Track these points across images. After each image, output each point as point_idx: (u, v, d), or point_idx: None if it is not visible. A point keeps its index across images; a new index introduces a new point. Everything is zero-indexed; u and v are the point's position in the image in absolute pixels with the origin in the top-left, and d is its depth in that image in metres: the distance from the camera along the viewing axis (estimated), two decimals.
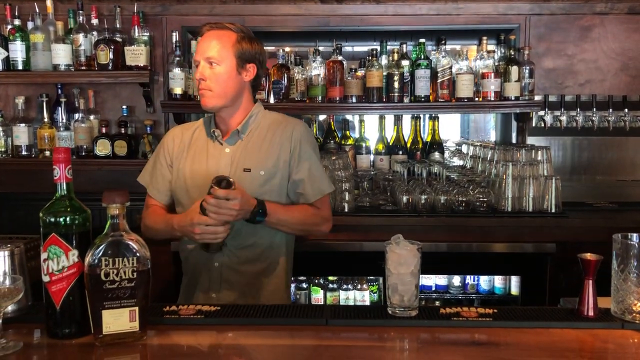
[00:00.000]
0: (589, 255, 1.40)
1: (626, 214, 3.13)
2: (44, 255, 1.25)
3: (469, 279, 3.18)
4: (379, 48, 3.29)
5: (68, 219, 1.27)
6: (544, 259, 2.90)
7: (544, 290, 2.93)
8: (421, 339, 1.32)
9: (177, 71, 3.21)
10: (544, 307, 1.45)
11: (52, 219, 1.26)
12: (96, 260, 1.22)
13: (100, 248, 1.23)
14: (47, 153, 3.26)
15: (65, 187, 1.28)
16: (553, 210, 2.95)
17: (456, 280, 3.18)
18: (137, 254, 1.25)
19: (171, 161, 2.07)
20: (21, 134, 3.28)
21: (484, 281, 3.16)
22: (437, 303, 3.21)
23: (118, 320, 1.24)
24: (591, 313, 1.40)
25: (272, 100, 3.28)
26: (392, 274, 1.40)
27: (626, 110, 3.28)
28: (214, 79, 1.89)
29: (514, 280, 3.10)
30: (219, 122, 2.04)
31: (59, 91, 3.36)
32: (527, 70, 3.19)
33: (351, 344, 1.31)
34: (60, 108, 3.33)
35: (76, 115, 3.32)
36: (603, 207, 3.22)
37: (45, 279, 1.26)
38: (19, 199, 3.48)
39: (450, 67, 3.19)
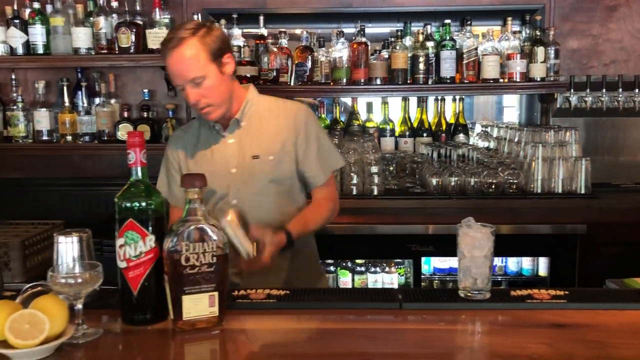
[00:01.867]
0: None
1: None
2: (120, 241, 1.23)
3: (497, 261, 3.17)
4: (402, 29, 3.25)
5: (144, 203, 1.24)
6: (574, 240, 2.90)
7: (573, 272, 2.94)
8: (499, 321, 1.31)
9: None
10: (613, 288, 1.45)
11: (128, 204, 1.24)
12: (176, 246, 1.20)
13: (180, 233, 1.21)
14: (69, 138, 3.22)
15: (140, 172, 1.26)
16: (582, 192, 2.94)
17: None
18: (216, 239, 1.23)
19: (179, 166, 2.02)
20: (42, 119, 3.23)
21: (512, 263, 3.16)
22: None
23: (198, 305, 1.22)
24: None
25: (294, 83, 3.25)
26: (466, 257, 1.39)
27: None
28: (208, 95, 1.81)
29: (542, 262, 3.11)
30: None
31: (79, 75, 3.31)
32: (552, 51, 3.17)
33: (428, 327, 1.30)
34: (80, 92, 3.27)
35: (97, 100, 3.27)
36: (629, 188, 3.22)
37: (122, 265, 1.24)
38: (40, 184, 3.44)
39: (476, 48, 3.17)
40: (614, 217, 2.87)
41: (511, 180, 2.93)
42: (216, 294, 1.24)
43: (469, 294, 1.39)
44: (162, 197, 1.28)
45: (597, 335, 1.22)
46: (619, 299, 1.41)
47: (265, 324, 1.31)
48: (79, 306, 1.20)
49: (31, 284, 1.29)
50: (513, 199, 2.90)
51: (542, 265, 3.12)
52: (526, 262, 3.15)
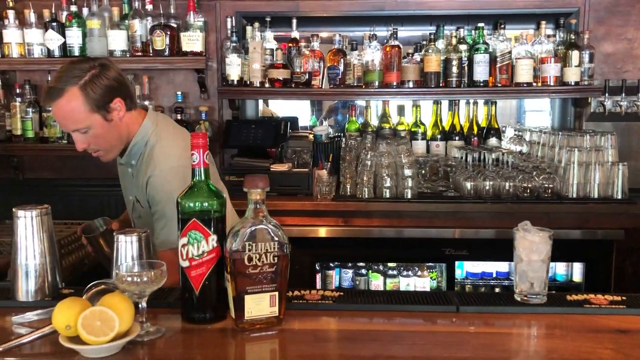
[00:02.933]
0: None
1: None
2: (183, 241, 1.24)
3: None
4: (435, 32, 3.25)
5: (207, 204, 1.25)
6: (610, 246, 2.87)
7: (608, 278, 2.91)
8: (559, 325, 1.30)
9: (233, 57, 3.19)
10: None
11: (192, 204, 1.25)
12: (239, 245, 1.21)
13: (243, 233, 1.21)
14: None
15: (202, 172, 1.27)
16: (619, 197, 2.92)
17: None
18: (277, 239, 1.24)
19: None
20: None
21: None
22: (496, 290, 3.19)
23: (259, 305, 1.23)
24: None
25: (326, 86, 3.26)
26: (523, 260, 1.38)
27: None
28: (95, 142, 1.80)
29: (577, 267, 3.08)
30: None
31: None
32: (587, 55, 3.15)
33: (487, 330, 1.29)
34: None
35: None
36: None
37: (184, 264, 1.25)
38: (75, 185, 3.49)
39: (510, 52, 3.16)
40: None
41: (546, 185, 2.91)
42: (277, 294, 1.24)
43: (525, 298, 1.38)
44: (223, 197, 1.29)
45: None
46: None
47: (322, 325, 1.31)
48: (143, 304, 1.21)
49: (95, 282, 1.30)
50: (549, 203, 2.88)
51: (577, 271, 3.09)
52: (560, 268, 3.13)
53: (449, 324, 1.31)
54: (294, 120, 3.70)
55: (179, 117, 3.30)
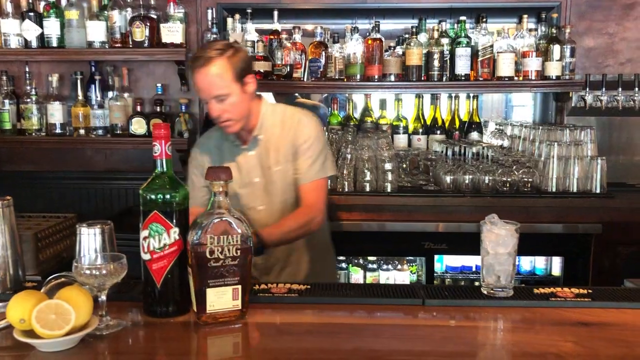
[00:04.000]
0: None
1: None
2: (144, 233, 1.23)
3: None
4: (417, 25, 3.24)
5: (169, 195, 1.24)
6: (589, 240, 2.88)
7: (587, 272, 2.92)
8: (524, 318, 1.30)
9: None
10: (631, 287, 1.43)
11: (153, 196, 1.23)
12: (201, 238, 1.19)
13: (205, 225, 1.20)
14: (82, 131, 3.22)
15: (165, 164, 1.25)
16: (598, 191, 2.93)
17: None
18: (240, 232, 1.23)
19: (202, 172, 2.05)
20: (55, 112, 3.23)
21: (525, 262, 3.14)
22: (476, 284, 3.19)
23: (221, 298, 1.21)
24: None
25: (307, 79, 3.24)
26: (489, 254, 1.38)
27: None
28: (230, 110, 1.94)
29: (556, 261, 3.09)
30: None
31: (93, 69, 3.30)
32: (568, 49, 3.15)
33: (451, 324, 1.29)
34: (94, 86, 3.27)
35: (110, 94, 3.27)
36: None
37: (146, 257, 1.24)
38: (53, 177, 3.45)
39: (492, 46, 3.15)
40: (630, 217, 2.85)
41: (526, 179, 2.92)
42: (239, 287, 1.23)
43: (492, 291, 1.38)
44: (186, 189, 1.27)
45: (624, 334, 1.21)
46: None
47: (287, 318, 1.30)
48: (103, 297, 1.19)
49: (54, 275, 1.28)
50: (528, 197, 2.88)
51: (556, 265, 3.10)
52: (539, 262, 3.13)
53: (412, 317, 1.30)
54: None
55: (158, 109, 3.27)
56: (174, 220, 1.23)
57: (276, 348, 1.16)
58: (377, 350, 1.16)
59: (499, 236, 1.36)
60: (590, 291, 1.41)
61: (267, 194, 2.09)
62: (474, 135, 3.36)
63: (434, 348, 1.18)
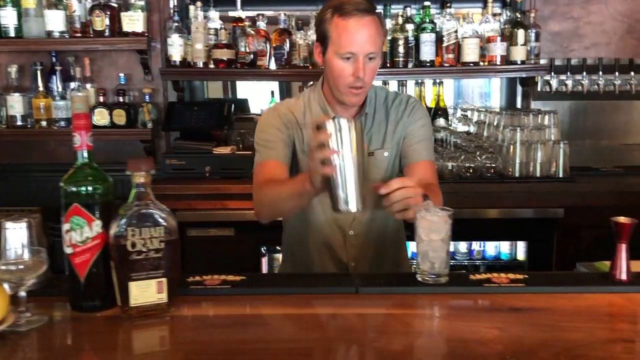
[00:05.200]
0: (622, 219, 1.37)
1: (632, 178, 3.12)
2: (66, 227, 1.20)
3: (475, 245, 3.16)
4: (382, 11, 3.21)
5: (90, 188, 1.21)
6: (552, 225, 2.89)
7: (550, 256, 2.93)
8: (456, 305, 1.29)
9: (175, 37, 3.12)
10: (574, 272, 1.43)
11: (74, 189, 1.21)
12: (122, 231, 1.17)
13: (126, 218, 1.18)
14: (43, 123, 3.18)
15: (86, 155, 1.22)
16: (561, 175, 2.93)
17: (462, 246, 3.17)
18: (164, 224, 1.21)
19: (289, 135, 1.82)
20: (15, 104, 3.19)
21: (490, 247, 3.15)
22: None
23: (145, 292, 1.19)
24: (624, 277, 1.38)
25: (273, 66, 3.21)
26: (423, 240, 1.36)
27: (632, 73, 3.25)
28: (370, 74, 1.68)
29: (521, 246, 3.10)
30: (335, 104, 1.80)
31: (54, 59, 3.25)
32: (533, 34, 3.13)
33: (383, 311, 1.28)
34: (55, 77, 3.22)
35: (72, 84, 3.23)
36: (609, 172, 3.21)
37: (68, 250, 1.21)
38: (15, 170, 3.40)
39: (456, 31, 3.13)
40: (592, 201, 2.86)
41: (489, 164, 2.91)
42: (164, 280, 1.21)
43: (427, 278, 1.37)
44: (110, 181, 1.25)
45: (551, 318, 1.20)
46: (579, 282, 1.40)
47: (216, 310, 1.29)
48: (22, 293, 1.17)
49: None
50: (491, 182, 2.88)
51: (521, 250, 3.11)
52: (504, 247, 3.14)
53: (343, 306, 1.29)
54: (242, 103, 3.64)
55: (121, 99, 3.23)
56: (96, 213, 1.21)
57: (200, 341, 1.14)
58: (301, 340, 1.15)
59: (432, 223, 1.35)
60: (526, 277, 1.40)
61: None
62: (441, 121, 3.34)
63: (360, 336, 1.17)
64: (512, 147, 2.94)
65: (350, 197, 1.36)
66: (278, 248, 3.13)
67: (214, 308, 1.30)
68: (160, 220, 1.21)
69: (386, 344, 1.11)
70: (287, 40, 3.19)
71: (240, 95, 3.81)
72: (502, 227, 2.88)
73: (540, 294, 1.33)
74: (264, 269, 3.08)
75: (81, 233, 1.20)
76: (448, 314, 1.28)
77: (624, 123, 3.38)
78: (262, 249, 3.04)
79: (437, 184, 1.91)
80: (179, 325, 1.22)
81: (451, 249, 3.19)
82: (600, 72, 3.24)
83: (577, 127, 3.39)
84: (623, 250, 1.37)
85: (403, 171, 1.89)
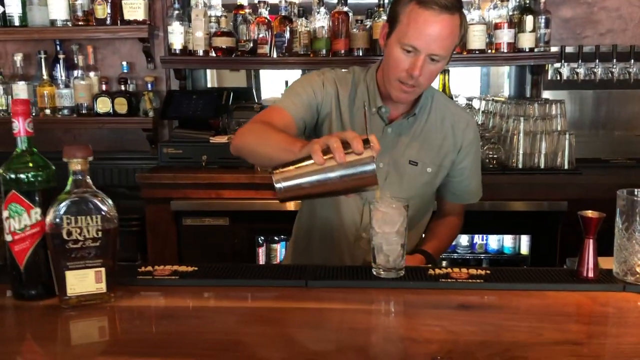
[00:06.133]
0: (589, 213, 1.29)
1: None
2: (5, 214, 1.19)
3: (477, 239, 3.08)
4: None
5: (30, 175, 1.19)
6: (556, 218, 2.79)
7: (554, 250, 2.83)
8: (406, 301, 1.24)
9: (176, 25, 3.10)
10: (541, 267, 1.36)
11: (13, 176, 1.19)
12: (58, 219, 1.15)
13: (62, 206, 1.16)
14: (47, 111, 3.21)
15: (25, 142, 1.21)
16: (566, 167, 2.82)
17: (464, 239, 3.09)
18: (102, 212, 1.18)
19: (320, 101, 1.67)
20: (21, 92, 3.22)
21: (492, 241, 3.06)
22: (444, 263, 3.13)
23: (83, 281, 1.18)
24: (591, 274, 1.30)
25: (275, 55, 3.17)
26: (377, 233, 1.31)
27: None
28: (427, 76, 1.53)
29: (524, 240, 3.00)
30: (385, 96, 1.67)
31: (58, 47, 3.27)
32: (542, 20, 3.01)
33: (331, 306, 1.23)
34: (59, 65, 3.25)
35: (75, 73, 3.25)
36: (619, 164, 3.07)
37: (8, 238, 1.20)
38: None
39: None
40: (597, 194, 2.73)
41: (491, 155, 2.82)
42: (103, 269, 1.19)
43: (382, 272, 1.32)
44: (52, 168, 1.23)
45: (500, 317, 1.14)
46: (542, 279, 1.32)
47: (158, 302, 1.26)
48: None
49: None
50: (493, 174, 2.79)
51: (524, 243, 3.01)
52: (508, 240, 3.05)
53: (291, 298, 1.25)
54: (246, 92, 3.61)
55: (122, 87, 3.24)
56: (36, 201, 1.19)
57: (134, 331, 1.12)
58: (235, 333, 1.11)
59: (385, 214, 1.29)
60: (488, 272, 1.33)
61: (385, 185, 1.64)
62: None
63: (292, 330, 1.13)
64: (515, 137, 2.85)
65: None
66: (276, 238, 3.11)
67: (156, 299, 1.27)
68: (99, 208, 1.18)
69: (315, 340, 1.06)
70: (288, 28, 3.14)
71: (261, 84, 3.76)
72: (505, 221, 2.79)
73: (499, 291, 1.26)
74: (261, 259, 3.06)
75: (20, 221, 1.18)
76: (393, 310, 1.22)
77: (637, 113, 3.24)
78: (259, 239, 3.02)
79: (461, 215, 1.91)
80: (119, 315, 1.20)
81: (453, 242, 3.14)
82: (615, 60, 3.10)
83: (589, 117, 3.26)
84: (590, 245, 1.30)
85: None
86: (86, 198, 1.17)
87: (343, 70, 1.78)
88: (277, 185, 1.19)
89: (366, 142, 1.16)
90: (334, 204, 1.71)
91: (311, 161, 1.15)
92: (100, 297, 1.20)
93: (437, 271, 1.35)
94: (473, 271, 1.34)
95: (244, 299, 1.25)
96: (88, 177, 1.19)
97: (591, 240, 1.29)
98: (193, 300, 1.25)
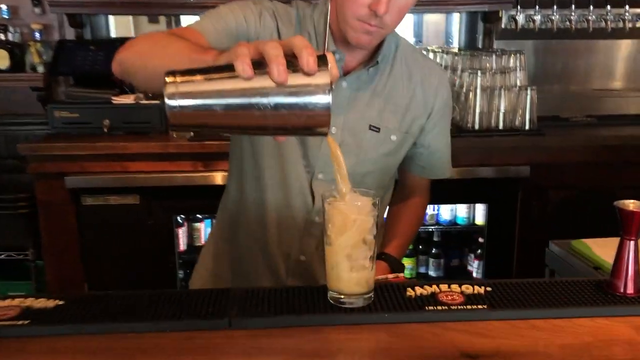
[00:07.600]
0: (631, 205, 0.92)
1: (605, 130, 2.73)
2: None
3: (429, 209, 2.74)
4: None
5: None
6: (516, 185, 2.50)
7: (513, 220, 2.55)
8: (383, 350, 0.84)
9: None
10: (557, 279, 0.99)
11: None
12: None
13: None
14: None
15: None
16: (527, 127, 2.51)
17: None
18: None
19: (252, 36, 1.23)
20: None
21: (445, 211, 2.74)
22: None
23: None
24: (631, 290, 0.95)
25: None
26: (334, 243, 0.90)
27: (608, 7, 2.80)
28: (395, 14, 1.17)
29: (480, 209, 2.70)
30: (339, 40, 1.26)
31: None
32: None
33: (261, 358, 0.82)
34: None
35: None
36: (580, 122, 2.81)
37: None
38: None
39: None
40: (561, 157, 2.46)
41: None
42: None
43: (342, 299, 0.91)
44: None
45: None
46: (564, 298, 0.95)
47: None
48: None
49: None
50: None
51: (480, 213, 2.71)
52: (461, 210, 2.73)
53: (204, 354, 0.83)
54: None
55: (2, 37, 2.65)
56: None
57: None
58: None
59: (346, 217, 0.88)
60: (489, 289, 0.96)
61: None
62: None
63: None
64: (471, 93, 2.50)
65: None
66: (199, 216, 2.67)
67: None
68: None
69: None
70: None
71: None
72: (459, 188, 2.46)
73: (510, 322, 0.88)
74: (182, 244, 2.62)
75: None
76: None
77: (596, 66, 2.97)
78: (178, 218, 2.56)
79: (426, 197, 1.54)
80: None
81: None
82: (573, 7, 2.79)
83: (545, 70, 2.97)
84: (630, 249, 0.93)
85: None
86: None
87: (283, 4, 1.33)
88: (170, 102, 0.75)
89: (321, 60, 0.75)
90: (275, 176, 1.28)
91: (232, 72, 0.74)
92: None
93: (419, 290, 0.95)
94: (468, 288, 0.95)
95: (123, 354, 0.82)
96: None
97: (632, 242, 0.93)
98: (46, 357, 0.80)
